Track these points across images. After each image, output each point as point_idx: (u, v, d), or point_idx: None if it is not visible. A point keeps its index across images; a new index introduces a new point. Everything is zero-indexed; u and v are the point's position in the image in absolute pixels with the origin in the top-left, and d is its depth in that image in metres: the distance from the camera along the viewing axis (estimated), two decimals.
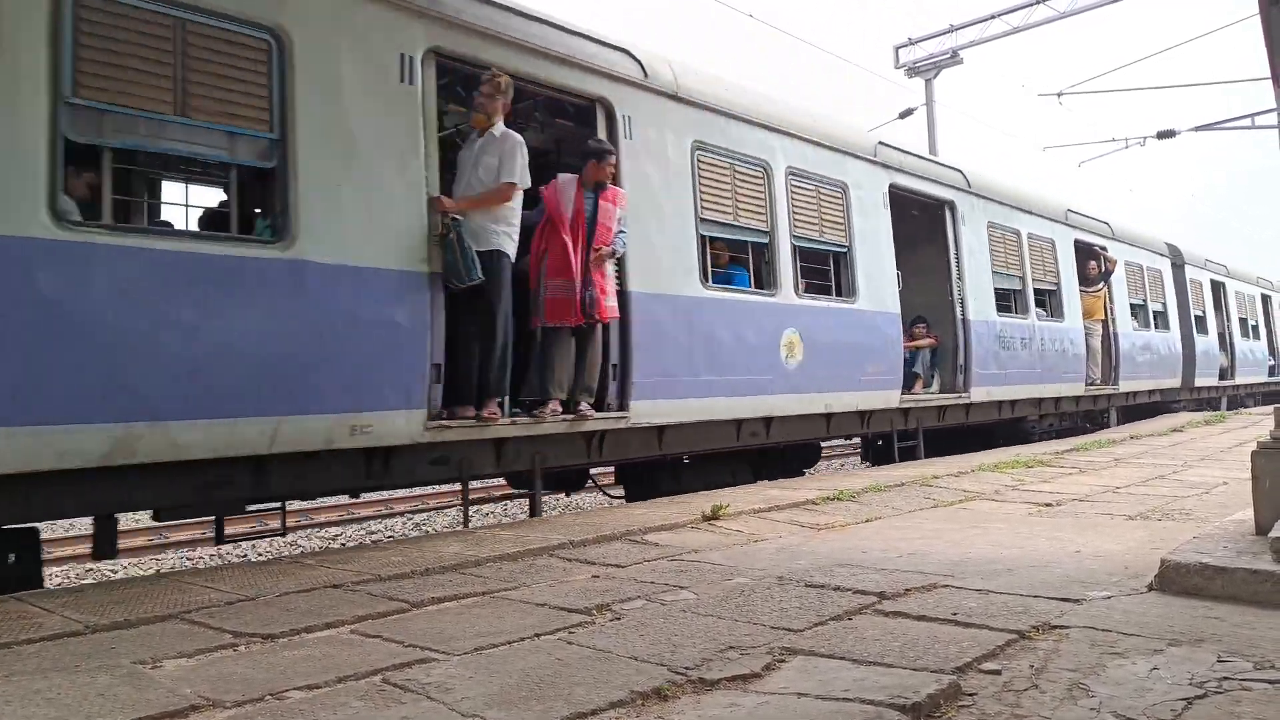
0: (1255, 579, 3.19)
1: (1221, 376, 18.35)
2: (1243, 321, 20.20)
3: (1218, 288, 18.79)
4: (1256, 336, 21.36)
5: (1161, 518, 5.27)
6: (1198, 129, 21.15)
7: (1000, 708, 2.21)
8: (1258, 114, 19.33)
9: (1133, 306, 14.34)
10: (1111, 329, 13.50)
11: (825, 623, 2.99)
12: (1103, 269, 13.41)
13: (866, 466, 10.75)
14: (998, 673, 2.45)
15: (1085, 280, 12.95)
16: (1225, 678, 2.35)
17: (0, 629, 3.05)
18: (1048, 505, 5.93)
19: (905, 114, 19.90)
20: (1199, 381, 16.92)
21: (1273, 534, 3.40)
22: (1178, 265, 16.63)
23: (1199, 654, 2.56)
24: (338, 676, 2.50)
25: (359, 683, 2.46)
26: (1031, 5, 18.21)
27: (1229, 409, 18.53)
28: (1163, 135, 21.09)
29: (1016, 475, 7.60)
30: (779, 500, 6.06)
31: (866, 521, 5.38)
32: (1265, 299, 22.91)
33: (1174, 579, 3.33)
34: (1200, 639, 2.70)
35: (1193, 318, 16.75)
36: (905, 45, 20.61)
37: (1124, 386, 13.88)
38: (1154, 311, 15.12)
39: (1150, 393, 15.33)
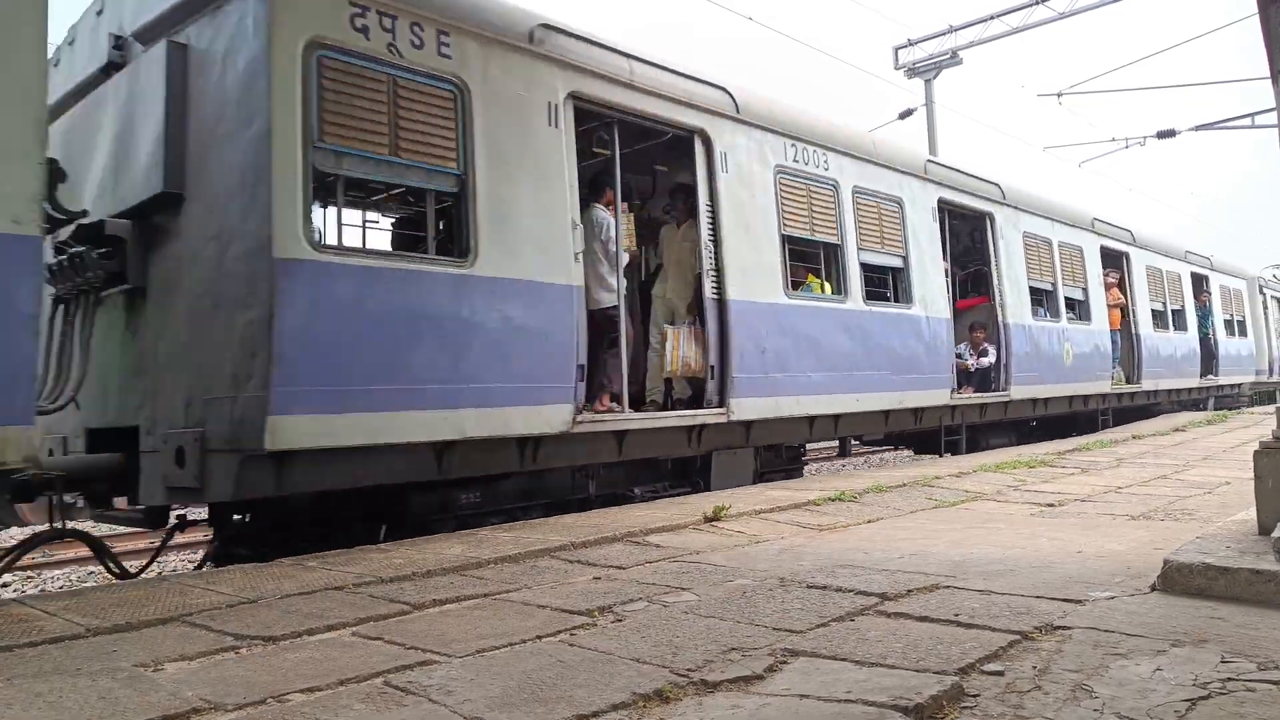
0: (1258, 579, 3.18)
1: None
2: (1028, 286, 11.28)
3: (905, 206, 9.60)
4: (1052, 313, 11.76)
5: (1164, 518, 5.27)
6: (1197, 129, 21.19)
7: (1003, 709, 2.20)
8: (1258, 113, 19.35)
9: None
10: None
11: (827, 624, 2.99)
12: None
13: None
14: (1000, 674, 2.45)
15: None
16: (1229, 678, 2.35)
17: (1, 632, 3.04)
18: (1050, 505, 5.93)
19: (905, 114, 19.94)
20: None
21: (1275, 534, 3.39)
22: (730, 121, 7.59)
23: (1202, 655, 2.56)
24: (339, 679, 2.50)
25: (360, 685, 2.46)
26: (1031, 6, 18.22)
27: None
28: (1163, 135, 21.13)
29: (1018, 475, 7.59)
30: (780, 501, 6.06)
31: (868, 522, 5.38)
32: (1113, 253, 13.37)
33: (1177, 579, 3.33)
34: (1203, 639, 2.70)
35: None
36: (905, 46, 20.64)
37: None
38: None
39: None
